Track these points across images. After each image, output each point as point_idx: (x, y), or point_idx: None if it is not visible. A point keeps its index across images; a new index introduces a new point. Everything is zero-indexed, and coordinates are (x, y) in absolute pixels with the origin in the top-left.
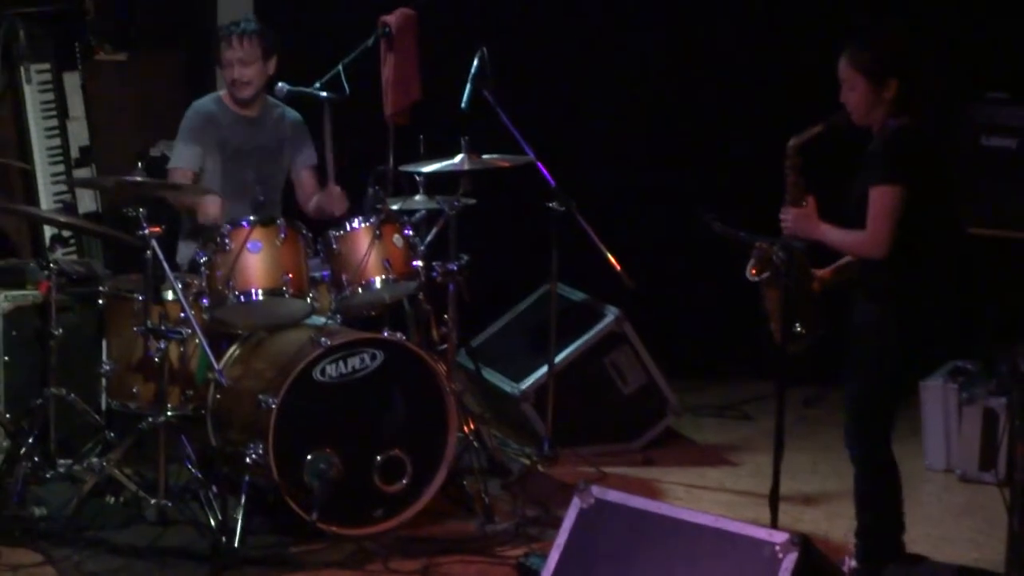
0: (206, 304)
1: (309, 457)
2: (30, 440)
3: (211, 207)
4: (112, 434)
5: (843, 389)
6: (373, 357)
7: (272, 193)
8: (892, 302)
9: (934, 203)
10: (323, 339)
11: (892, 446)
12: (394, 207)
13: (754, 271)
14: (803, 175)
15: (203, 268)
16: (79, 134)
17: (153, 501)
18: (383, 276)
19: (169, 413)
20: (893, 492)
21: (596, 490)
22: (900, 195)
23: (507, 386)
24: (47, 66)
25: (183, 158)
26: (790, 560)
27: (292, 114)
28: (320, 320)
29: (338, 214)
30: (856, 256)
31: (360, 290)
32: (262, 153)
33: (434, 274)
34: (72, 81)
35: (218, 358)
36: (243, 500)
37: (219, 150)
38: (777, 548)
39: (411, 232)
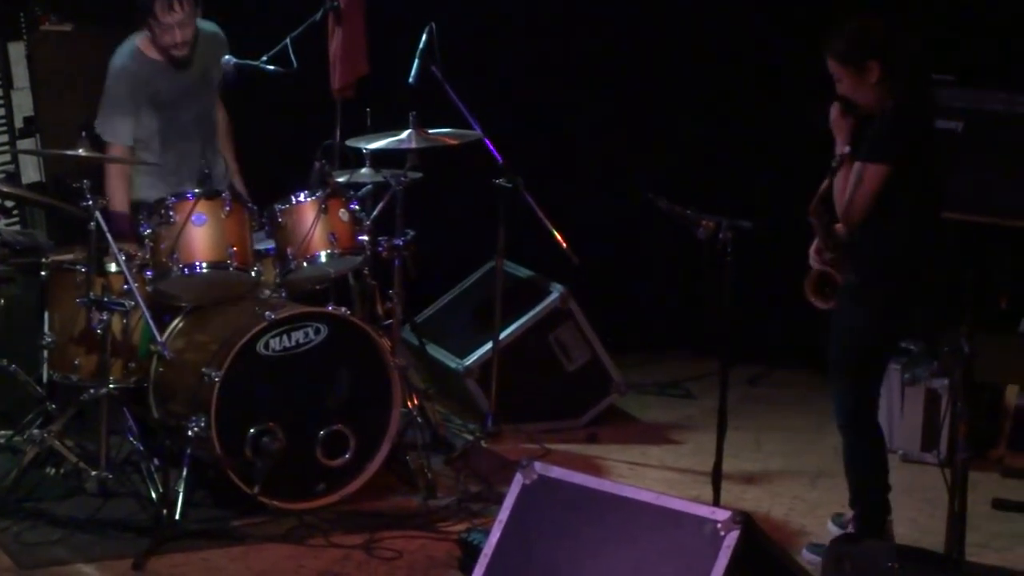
0: (150, 276)
1: (252, 431)
2: None
3: (116, 195)
4: (53, 406)
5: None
6: (317, 331)
7: (212, 128)
8: (872, 270)
9: (918, 181)
10: (267, 313)
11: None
12: (340, 180)
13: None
14: (829, 223)
15: (147, 240)
16: (23, 104)
17: (94, 473)
18: (328, 250)
19: (111, 385)
20: (877, 457)
21: (539, 466)
22: (883, 173)
23: (451, 362)
24: None
25: (120, 133)
26: (732, 538)
27: (208, 28)
28: (265, 294)
29: None
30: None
31: (305, 264)
32: (194, 90)
33: (380, 249)
34: (17, 51)
35: (161, 331)
36: (185, 473)
37: (152, 106)
38: (719, 526)
39: (357, 206)
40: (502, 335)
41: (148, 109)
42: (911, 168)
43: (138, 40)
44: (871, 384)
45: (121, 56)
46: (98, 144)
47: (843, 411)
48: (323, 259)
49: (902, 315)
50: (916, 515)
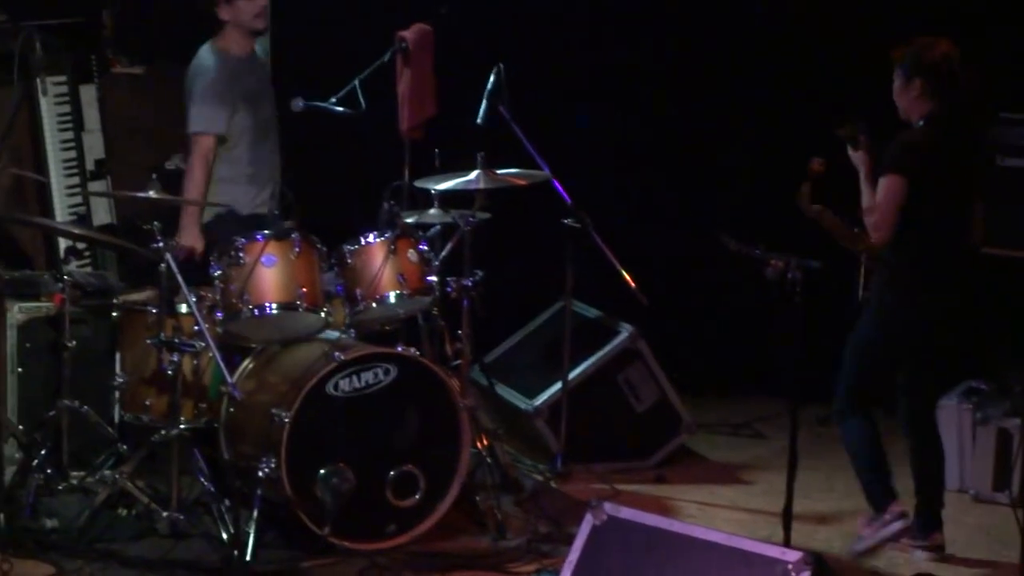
0: (220, 317)
1: (322, 471)
2: (43, 452)
3: (188, 237)
4: (125, 447)
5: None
6: (387, 372)
7: (277, 129)
8: (885, 278)
9: (938, 204)
10: (336, 353)
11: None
12: (409, 220)
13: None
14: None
15: (217, 281)
16: (94, 147)
17: (165, 514)
18: (397, 291)
19: (182, 426)
20: (864, 444)
21: (609, 507)
22: (902, 185)
23: (521, 402)
24: (63, 78)
25: (216, 120)
26: None
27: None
28: (334, 334)
29: None
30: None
31: (374, 304)
32: (266, 87)
33: (448, 289)
34: (88, 94)
35: (231, 371)
36: (255, 514)
37: (244, 101)
38: (790, 567)
39: (426, 247)
40: (571, 375)
41: (242, 104)
42: (933, 187)
43: (214, 44)
44: (862, 376)
45: (206, 58)
46: (169, 186)
47: (839, 394)
48: (392, 300)
49: (915, 332)
50: (988, 555)
